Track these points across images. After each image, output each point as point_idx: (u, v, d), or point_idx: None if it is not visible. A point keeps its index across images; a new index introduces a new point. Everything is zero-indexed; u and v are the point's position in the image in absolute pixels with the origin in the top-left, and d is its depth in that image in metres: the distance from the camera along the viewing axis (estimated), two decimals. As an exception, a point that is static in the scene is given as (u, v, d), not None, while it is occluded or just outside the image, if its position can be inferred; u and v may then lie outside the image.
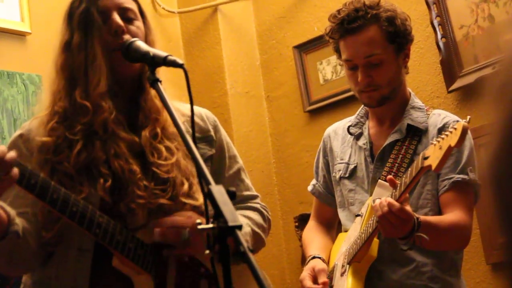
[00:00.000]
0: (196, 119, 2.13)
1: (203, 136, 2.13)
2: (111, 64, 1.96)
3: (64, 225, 1.88)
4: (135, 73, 1.99)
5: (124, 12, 2.01)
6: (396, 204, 2.10)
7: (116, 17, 1.98)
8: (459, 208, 2.31)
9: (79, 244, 1.92)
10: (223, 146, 2.19)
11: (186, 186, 1.97)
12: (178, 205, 1.96)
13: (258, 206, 2.22)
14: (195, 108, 2.14)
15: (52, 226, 1.90)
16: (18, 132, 2.04)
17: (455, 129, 2.02)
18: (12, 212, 1.84)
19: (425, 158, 2.09)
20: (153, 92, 1.98)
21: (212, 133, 2.17)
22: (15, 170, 1.70)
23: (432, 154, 2.06)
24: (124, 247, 1.88)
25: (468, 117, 2.07)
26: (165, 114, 1.98)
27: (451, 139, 2.01)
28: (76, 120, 1.94)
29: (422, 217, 2.20)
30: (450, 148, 2.02)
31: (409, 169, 2.17)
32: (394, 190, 2.18)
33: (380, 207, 2.12)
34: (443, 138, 2.05)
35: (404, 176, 2.17)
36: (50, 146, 1.93)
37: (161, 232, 1.91)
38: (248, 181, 2.25)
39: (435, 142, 2.07)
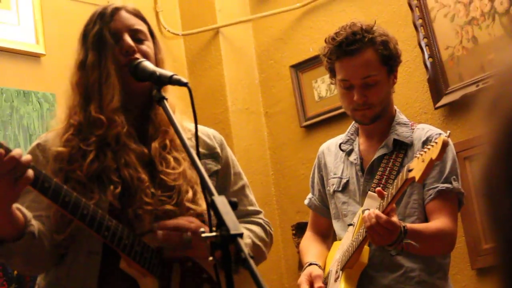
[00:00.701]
0: (204, 137, 2.15)
1: (210, 153, 2.13)
2: (123, 80, 1.96)
3: (75, 229, 1.89)
4: (145, 89, 1.96)
5: (135, 34, 2.02)
6: (383, 216, 2.11)
7: (127, 38, 1.99)
8: (444, 215, 2.32)
9: (88, 247, 1.92)
10: (228, 163, 2.18)
11: (190, 193, 1.97)
12: (183, 211, 1.96)
13: (261, 221, 2.20)
14: (204, 128, 2.16)
15: (64, 229, 1.90)
16: (35, 142, 2.04)
17: (436, 143, 2.03)
18: (28, 214, 1.85)
19: (410, 171, 2.10)
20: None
21: (218, 150, 2.16)
22: (30, 172, 1.71)
23: (416, 166, 2.08)
24: (131, 250, 1.88)
25: (448, 131, 2.10)
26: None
27: (433, 152, 2.03)
28: (91, 132, 1.95)
29: (409, 225, 2.21)
30: (431, 161, 2.03)
31: (395, 181, 2.18)
32: (381, 201, 2.19)
33: (369, 219, 2.13)
34: (425, 152, 2.06)
35: (391, 187, 2.19)
36: (65, 156, 1.93)
37: (164, 234, 1.91)
38: (252, 197, 2.23)
39: (418, 155, 2.09)
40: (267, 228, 2.20)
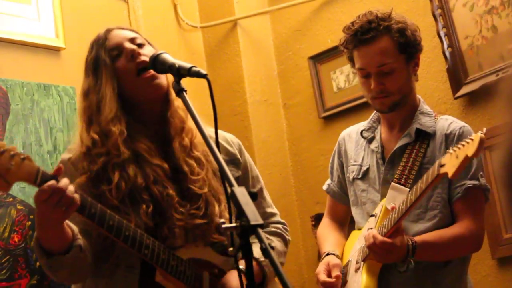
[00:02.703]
0: (224, 143, 2.22)
1: (230, 159, 2.20)
2: (141, 86, 2.02)
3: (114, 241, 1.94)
4: (163, 92, 2.05)
5: (133, 41, 2.09)
6: (379, 238, 2.18)
7: (129, 44, 2.06)
8: (468, 217, 2.31)
9: (127, 262, 1.98)
10: (247, 167, 2.27)
11: (217, 207, 2.04)
12: (210, 224, 2.02)
13: (279, 227, 2.31)
14: (221, 133, 2.20)
15: (104, 241, 1.96)
16: (67, 156, 2.08)
17: (472, 140, 1.99)
18: (75, 228, 1.92)
19: (441, 166, 2.07)
20: (176, 103, 2.04)
21: (238, 156, 2.25)
22: (76, 199, 1.77)
23: (449, 162, 2.05)
24: (168, 265, 1.95)
25: (484, 129, 2.03)
26: (189, 123, 2.04)
27: (468, 149, 1.99)
28: (95, 154, 1.99)
29: (419, 238, 2.23)
30: (467, 158, 1.99)
31: (425, 175, 2.15)
32: (385, 221, 2.24)
33: (367, 238, 2.22)
34: (459, 148, 2.02)
35: (420, 181, 2.16)
36: (88, 183, 1.98)
37: None
38: (269, 198, 2.34)
39: (451, 151, 2.05)
40: (286, 236, 2.32)
